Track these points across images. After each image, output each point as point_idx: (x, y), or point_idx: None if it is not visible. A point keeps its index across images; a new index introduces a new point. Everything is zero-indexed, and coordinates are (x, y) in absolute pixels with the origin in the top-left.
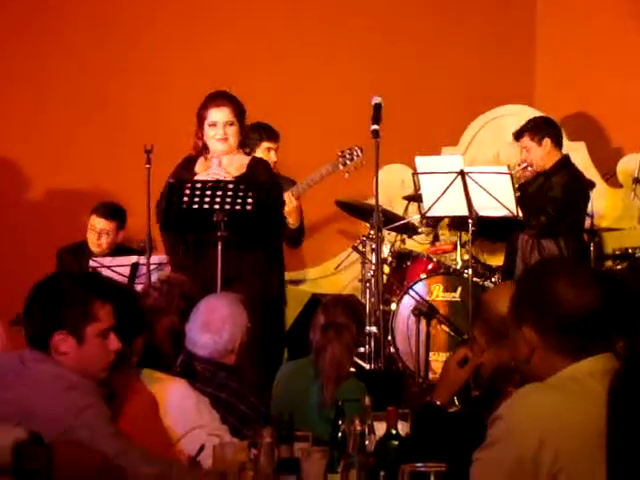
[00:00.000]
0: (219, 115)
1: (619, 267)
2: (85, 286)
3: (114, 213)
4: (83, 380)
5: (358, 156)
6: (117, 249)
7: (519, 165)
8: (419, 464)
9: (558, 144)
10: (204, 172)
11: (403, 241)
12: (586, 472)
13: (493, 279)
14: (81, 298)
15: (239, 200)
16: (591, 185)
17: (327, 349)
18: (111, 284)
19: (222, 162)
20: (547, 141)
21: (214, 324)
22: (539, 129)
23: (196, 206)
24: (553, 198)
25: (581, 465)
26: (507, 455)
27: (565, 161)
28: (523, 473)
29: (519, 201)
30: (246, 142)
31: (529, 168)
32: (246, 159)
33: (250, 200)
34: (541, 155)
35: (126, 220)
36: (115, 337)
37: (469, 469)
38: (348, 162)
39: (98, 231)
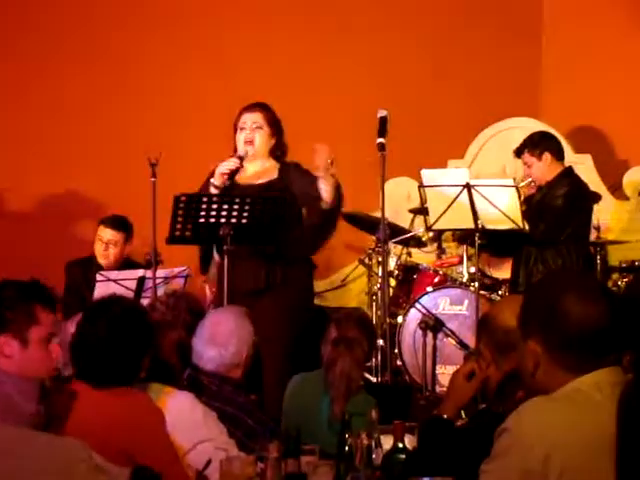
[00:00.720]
0: (248, 118)
1: (625, 280)
2: (28, 291)
3: (122, 224)
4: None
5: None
6: (124, 263)
7: (523, 181)
8: (426, 478)
9: (559, 157)
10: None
11: (409, 254)
12: None
13: (500, 292)
14: (24, 302)
15: (245, 213)
16: (597, 197)
17: (337, 363)
18: (53, 294)
19: (247, 168)
20: (547, 155)
21: (220, 338)
22: (537, 144)
23: (202, 220)
24: (553, 207)
25: (587, 477)
26: (514, 468)
27: (567, 172)
28: None
29: (524, 214)
30: (279, 153)
31: (532, 184)
32: (277, 165)
33: (252, 213)
34: (542, 170)
35: (133, 233)
36: (57, 345)
37: None
38: None
39: (105, 242)
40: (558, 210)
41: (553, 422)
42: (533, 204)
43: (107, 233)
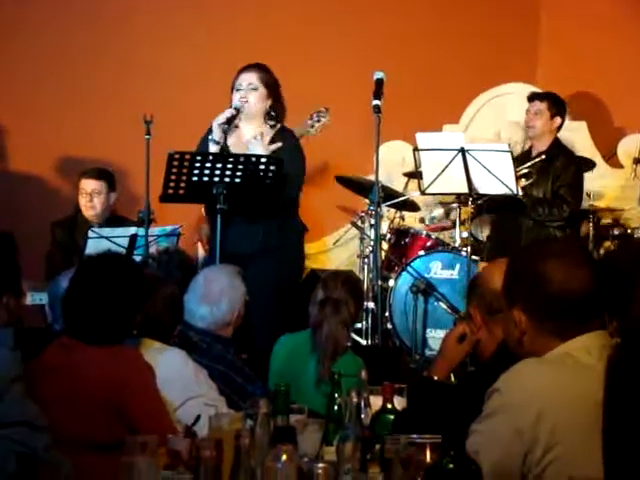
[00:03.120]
0: (244, 78)
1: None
2: None
3: (102, 173)
4: None
5: (325, 116)
6: (112, 218)
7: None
8: (414, 435)
9: (559, 129)
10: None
11: (402, 217)
12: (583, 444)
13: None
14: None
15: (239, 173)
16: (591, 165)
17: (324, 324)
18: None
19: (243, 130)
20: (558, 120)
21: (212, 296)
22: (559, 106)
23: (195, 178)
24: (568, 185)
25: (578, 437)
26: (505, 427)
27: (560, 144)
28: (520, 445)
29: (525, 190)
30: (274, 115)
31: (529, 178)
32: (271, 132)
33: (245, 172)
34: (545, 128)
35: (115, 183)
36: None
37: (465, 441)
38: (316, 124)
39: (89, 192)
40: (573, 189)
41: (544, 383)
42: (536, 179)
43: (89, 184)
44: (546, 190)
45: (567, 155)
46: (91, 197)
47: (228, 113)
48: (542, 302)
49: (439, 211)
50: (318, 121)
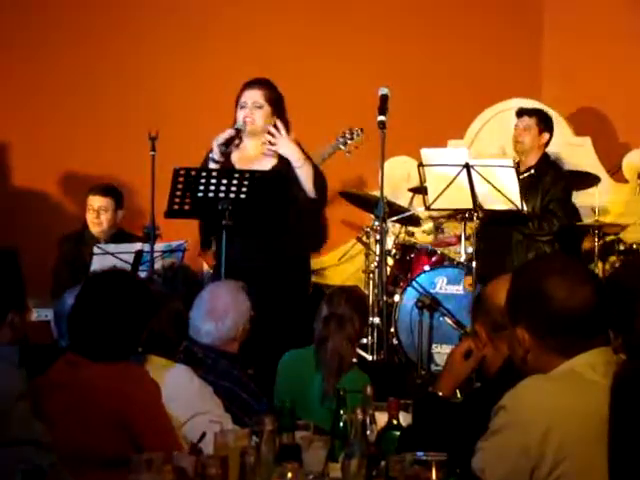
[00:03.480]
0: (249, 96)
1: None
2: None
3: (110, 191)
4: None
5: (359, 135)
6: (118, 234)
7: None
8: (420, 453)
9: (547, 145)
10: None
11: (408, 233)
12: (589, 460)
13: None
14: None
15: (244, 189)
16: (596, 180)
17: (329, 341)
18: None
19: (247, 147)
20: (546, 136)
21: (217, 312)
22: (548, 122)
23: (201, 194)
24: (557, 200)
25: (584, 453)
26: (511, 444)
27: (549, 159)
28: (527, 462)
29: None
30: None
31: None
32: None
33: (250, 188)
34: (534, 144)
35: (123, 200)
36: None
37: (470, 459)
38: (349, 141)
39: (96, 209)
40: (563, 203)
41: (550, 399)
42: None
43: (96, 200)
44: (535, 205)
45: (556, 170)
46: (98, 213)
47: (227, 134)
48: (544, 320)
49: (428, 225)
50: (351, 139)
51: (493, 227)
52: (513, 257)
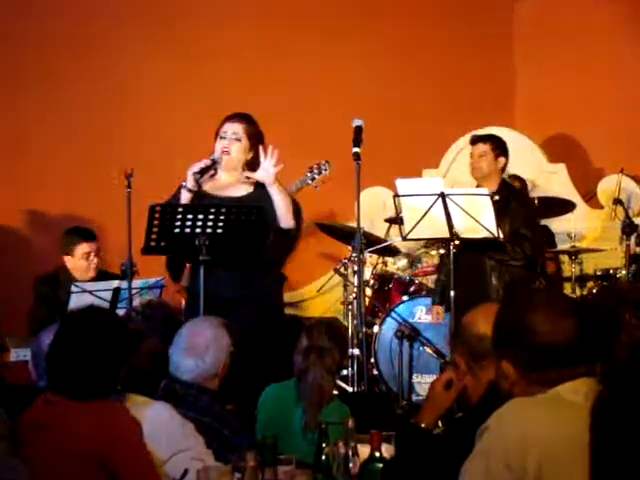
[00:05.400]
0: (229, 127)
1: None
2: None
3: (94, 235)
4: None
5: (326, 169)
6: (99, 274)
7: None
8: None
9: (503, 171)
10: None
11: (385, 263)
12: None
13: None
14: None
15: (220, 223)
16: (571, 207)
17: (309, 373)
18: None
19: (221, 178)
20: (502, 161)
21: (197, 348)
22: (502, 146)
23: (177, 230)
24: (525, 224)
25: (565, 474)
26: (495, 464)
27: (507, 184)
28: (510, 477)
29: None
30: (256, 168)
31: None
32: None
33: (227, 223)
34: (490, 169)
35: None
36: None
37: None
38: (316, 176)
39: (88, 255)
40: (533, 228)
41: (533, 419)
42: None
43: (88, 247)
44: (504, 230)
45: (518, 194)
46: (89, 259)
47: (203, 163)
48: (529, 354)
49: (402, 262)
50: (319, 173)
51: (466, 254)
52: (488, 283)
